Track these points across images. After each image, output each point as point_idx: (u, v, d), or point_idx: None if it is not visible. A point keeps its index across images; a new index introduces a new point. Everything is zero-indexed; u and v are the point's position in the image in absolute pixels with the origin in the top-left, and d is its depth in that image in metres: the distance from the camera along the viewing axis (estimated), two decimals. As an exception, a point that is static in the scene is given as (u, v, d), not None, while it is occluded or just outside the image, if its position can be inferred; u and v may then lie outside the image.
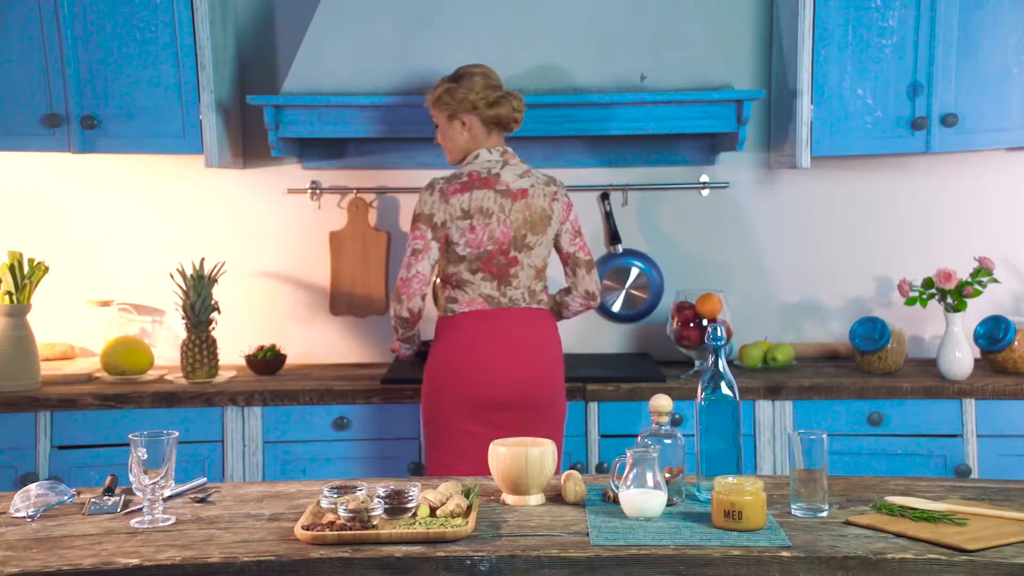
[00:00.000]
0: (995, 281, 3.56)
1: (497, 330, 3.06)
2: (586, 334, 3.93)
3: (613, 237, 3.85)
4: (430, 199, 3.06)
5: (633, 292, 3.85)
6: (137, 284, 3.93)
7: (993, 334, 3.57)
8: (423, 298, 3.08)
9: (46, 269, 3.54)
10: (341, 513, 1.96)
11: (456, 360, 3.05)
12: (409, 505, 2.02)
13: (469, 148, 3.16)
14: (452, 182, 3.07)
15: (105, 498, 2.20)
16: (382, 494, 2.02)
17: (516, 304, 3.09)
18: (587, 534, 1.95)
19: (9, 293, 3.46)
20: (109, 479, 2.29)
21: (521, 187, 3.08)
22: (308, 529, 1.94)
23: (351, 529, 1.93)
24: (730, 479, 2.01)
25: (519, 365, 3.04)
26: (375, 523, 1.96)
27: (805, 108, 3.57)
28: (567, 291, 3.21)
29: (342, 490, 2.07)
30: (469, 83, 3.13)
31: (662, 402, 2.19)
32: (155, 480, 2.05)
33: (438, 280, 3.27)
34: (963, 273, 3.59)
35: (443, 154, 3.90)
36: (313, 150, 3.91)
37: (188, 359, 3.55)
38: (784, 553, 1.85)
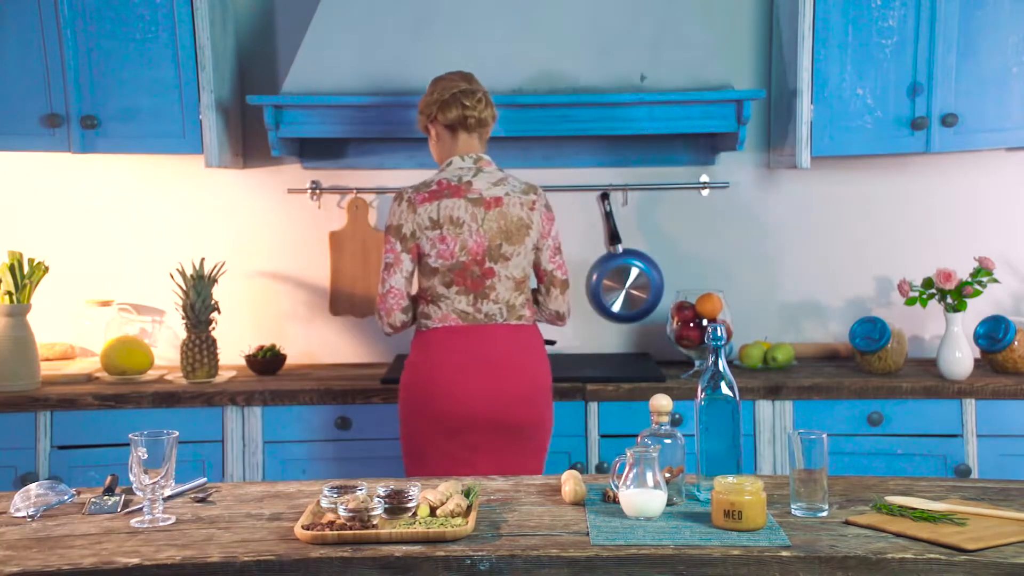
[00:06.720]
0: (995, 281, 3.56)
1: (469, 348, 2.94)
2: (586, 334, 3.93)
3: (613, 237, 3.85)
4: (398, 210, 2.98)
5: (633, 292, 3.84)
6: (137, 284, 3.93)
7: (993, 334, 3.57)
8: (404, 311, 3.01)
9: (46, 269, 3.54)
10: (341, 513, 1.96)
11: (425, 378, 2.95)
12: (409, 505, 2.02)
13: (444, 156, 3.07)
14: (420, 191, 2.98)
15: (105, 498, 2.20)
16: (382, 494, 2.03)
17: (493, 320, 2.96)
18: (587, 534, 1.95)
19: (9, 293, 3.46)
20: (109, 479, 2.29)
21: (495, 195, 2.96)
22: (308, 529, 1.94)
23: (351, 529, 1.93)
24: (730, 479, 2.01)
25: (495, 384, 2.92)
26: (375, 523, 1.96)
27: (805, 108, 3.57)
28: (535, 303, 3.09)
29: (342, 490, 2.08)
30: (428, 90, 3.06)
31: (662, 402, 2.19)
32: (155, 480, 2.06)
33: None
34: (963, 273, 3.59)
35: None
36: (313, 150, 3.91)
37: (188, 359, 3.55)
38: (784, 553, 1.85)
